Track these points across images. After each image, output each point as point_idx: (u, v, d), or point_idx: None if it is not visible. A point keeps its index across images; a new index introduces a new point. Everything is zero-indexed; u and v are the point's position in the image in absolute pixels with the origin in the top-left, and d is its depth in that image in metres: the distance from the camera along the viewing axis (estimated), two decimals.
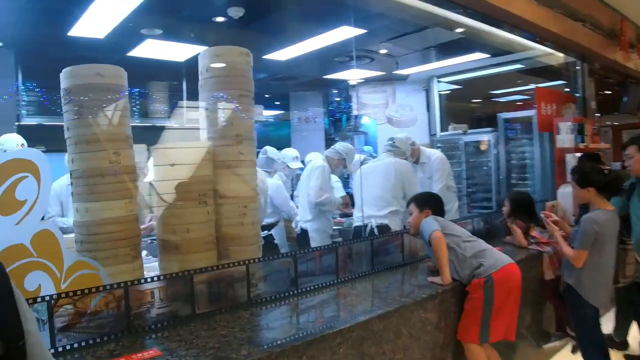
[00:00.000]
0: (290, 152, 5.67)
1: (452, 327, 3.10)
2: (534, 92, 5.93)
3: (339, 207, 5.02)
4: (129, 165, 2.56)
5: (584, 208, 3.75)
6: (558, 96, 6.20)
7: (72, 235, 3.95)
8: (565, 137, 5.56)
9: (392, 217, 4.24)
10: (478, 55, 6.37)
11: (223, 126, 2.81)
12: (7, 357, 1.10)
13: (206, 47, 2.92)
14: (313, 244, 4.74)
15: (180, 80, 6.28)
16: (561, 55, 6.40)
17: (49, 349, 2.08)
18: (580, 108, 6.56)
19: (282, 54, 5.80)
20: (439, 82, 7.61)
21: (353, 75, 7.10)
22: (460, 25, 4.94)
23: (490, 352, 3.07)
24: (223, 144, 2.82)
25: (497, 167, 6.62)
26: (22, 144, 3.74)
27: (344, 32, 4.95)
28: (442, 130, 7.55)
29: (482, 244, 3.25)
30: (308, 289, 2.99)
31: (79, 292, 2.20)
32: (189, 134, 2.89)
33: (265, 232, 4.99)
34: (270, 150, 5.32)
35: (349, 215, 5.27)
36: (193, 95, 6.35)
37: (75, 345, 2.18)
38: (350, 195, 5.40)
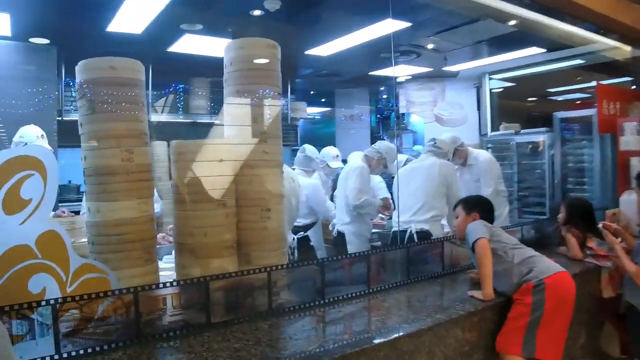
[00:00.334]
0: (330, 150, 5.45)
1: (493, 349, 2.81)
2: (595, 89, 5.48)
3: (378, 210, 4.77)
4: (144, 163, 2.42)
5: None
6: (623, 94, 5.71)
7: None
8: (630, 139, 5.11)
9: (433, 222, 3.96)
10: (533, 50, 5.96)
11: (246, 124, 2.63)
12: None
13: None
14: (350, 247, 4.51)
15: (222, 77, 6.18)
16: (628, 49, 5.88)
17: (53, 355, 1.97)
18: None
19: (325, 49, 5.59)
20: (490, 79, 7.21)
21: (399, 71, 6.81)
22: (514, 17, 4.59)
23: None
24: (245, 143, 2.64)
25: (552, 171, 6.20)
26: (42, 135, 3.68)
27: (388, 26, 4.69)
28: (493, 130, 7.15)
29: (531, 251, 3.00)
30: (335, 299, 2.77)
31: (85, 297, 2.07)
32: (236, 130, 2.71)
33: (301, 233, 4.82)
34: (308, 148, 5.12)
35: (391, 217, 5.02)
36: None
37: (81, 352, 2.06)
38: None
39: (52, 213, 3.80)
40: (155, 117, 6.33)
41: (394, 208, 4.62)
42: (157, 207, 3.61)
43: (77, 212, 4.13)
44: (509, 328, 2.77)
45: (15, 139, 3.71)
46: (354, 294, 2.86)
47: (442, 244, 3.39)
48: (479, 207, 3.21)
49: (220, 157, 2.50)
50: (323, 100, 9.15)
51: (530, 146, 6.38)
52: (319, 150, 5.31)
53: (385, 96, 8.75)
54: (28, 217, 2.04)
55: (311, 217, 4.91)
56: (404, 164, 4.93)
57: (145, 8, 4.04)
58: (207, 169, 2.47)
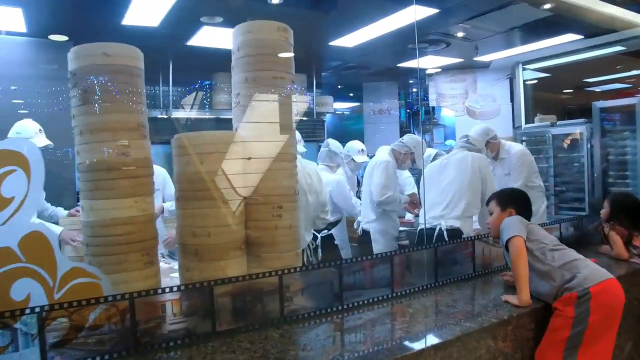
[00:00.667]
0: (355, 144, 5.15)
1: None
2: (638, 78, 5.03)
3: (405, 207, 4.45)
4: (142, 158, 2.19)
5: None
6: None
7: None
8: None
9: (465, 219, 3.62)
10: (569, 37, 5.52)
11: (254, 114, 2.36)
12: None
13: None
14: (375, 246, 4.22)
15: None
16: None
17: None
18: None
19: (350, 40, 5.29)
20: (524, 69, 6.78)
21: (428, 62, 6.44)
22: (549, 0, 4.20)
23: None
24: (253, 135, 2.38)
25: (591, 164, 5.76)
26: (40, 130, 3.44)
27: (414, 13, 4.35)
28: (527, 122, 6.72)
29: (573, 253, 2.63)
30: (355, 304, 2.49)
31: (75, 304, 1.84)
32: (264, 127, 2.45)
33: (325, 231, 4.54)
34: (332, 143, 4.83)
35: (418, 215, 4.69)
36: None
37: None
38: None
39: (66, 212, 3.62)
40: (183, 114, 6.16)
41: (422, 205, 4.29)
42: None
43: None
44: (547, 341, 2.43)
45: (11, 134, 3.42)
46: (375, 299, 2.58)
47: (474, 242, 3.06)
48: (515, 201, 2.88)
49: (225, 151, 2.24)
50: (351, 94, 8.83)
51: (567, 139, 5.95)
52: (344, 146, 5.01)
53: (415, 89, 8.37)
54: (10, 217, 1.83)
55: (335, 215, 4.62)
56: (433, 159, 4.60)
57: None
58: (211, 164, 2.21)
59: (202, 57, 5.37)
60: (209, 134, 2.24)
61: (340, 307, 2.45)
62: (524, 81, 6.83)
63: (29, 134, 3.38)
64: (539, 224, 3.12)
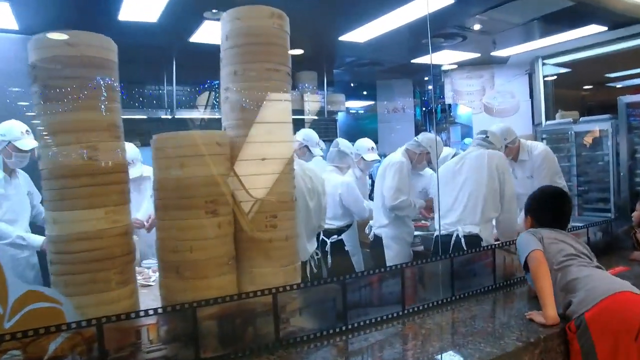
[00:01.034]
0: (364, 142, 4.80)
1: None
2: None
3: (421, 213, 4.08)
4: (115, 162, 1.88)
5: None
6: None
7: None
8: None
9: (484, 224, 3.24)
10: (593, 29, 5.10)
11: (244, 111, 2.05)
12: None
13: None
14: (388, 253, 3.87)
15: None
16: None
17: None
18: None
19: (361, 35, 4.94)
20: (544, 64, 6.36)
21: (443, 58, 6.06)
22: None
23: None
24: (244, 135, 2.06)
25: (617, 162, 5.32)
26: (27, 131, 3.14)
27: (426, 4, 3.99)
28: (547, 119, 6.31)
29: (578, 269, 2.23)
30: (360, 324, 2.17)
31: (30, 333, 1.55)
32: (232, 119, 2.14)
33: (335, 237, 4.22)
34: (342, 142, 4.49)
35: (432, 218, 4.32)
36: None
37: None
38: None
39: None
40: (188, 114, 5.89)
41: (437, 209, 3.92)
42: None
43: None
44: None
45: None
46: (384, 317, 2.25)
47: (494, 251, 2.71)
48: (530, 206, 2.59)
49: (208, 153, 1.92)
50: (365, 93, 8.47)
51: (590, 136, 5.53)
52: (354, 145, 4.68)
53: (430, 87, 7.98)
54: None
55: (346, 219, 4.29)
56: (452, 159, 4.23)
57: None
58: (192, 168, 1.90)
59: (208, 55, 5.07)
60: (190, 134, 1.93)
61: (343, 328, 2.13)
62: (544, 77, 6.40)
63: (14, 135, 3.10)
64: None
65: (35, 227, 3.33)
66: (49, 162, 1.80)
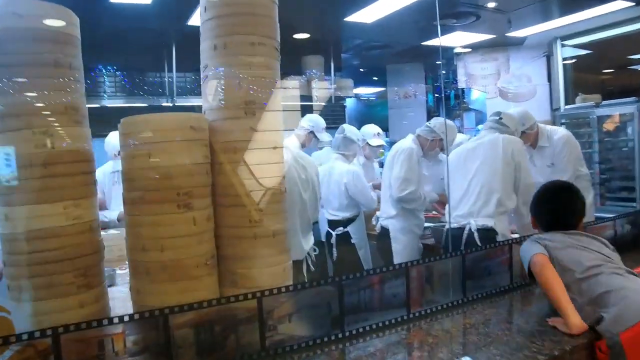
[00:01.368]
0: (370, 128, 4.53)
1: None
2: None
3: (433, 206, 3.79)
4: (75, 150, 1.64)
5: None
6: None
7: (115, 231, 3.23)
8: None
9: (499, 216, 2.95)
10: (618, 4, 4.73)
11: (225, 90, 1.80)
12: None
13: None
14: (395, 246, 3.61)
15: None
16: None
17: None
18: None
19: (368, 15, 4.64)
20: (563, 45, 6.00)
21: (456, 40, 5.73)
22: None
23: None
24: (224, 117, 1.81)
25: None
26: None
27: None
28: (567, 103, 5.96)
29: (609, 279, 1.90)
30: (359, 331, 1.92)
31: None
32: (212, 99, 1.88)
33: (341, 228, 3.98)
34: (348, 128, 4.22)
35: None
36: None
37: None
38: None
39: None
40: (200, 102, 5.65)
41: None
42: None
43: None
44: None
45: None
46: (387, 323, 1.99)
47: (511, 247, 2.44)
48: (532, 205, 2.27)
49: (180, 139, 1.67)
50: (375, 78, 8.15)
51: (612, 120, 5.18)
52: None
53: (443, 72, 7.62)
54: None
55: (352, 210, 4.04)
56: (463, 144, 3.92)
57: None
58: (162, 155, 1.65)
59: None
60: (158, 117, 1.68)
61: (340, 336, 1.88)
62: (563, 59, 6.05)
63: None
64: (586, 223, 2.46)
65: None
66: None
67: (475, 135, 5.57)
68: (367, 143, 4.43)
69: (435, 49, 6.21)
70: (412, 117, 7.47)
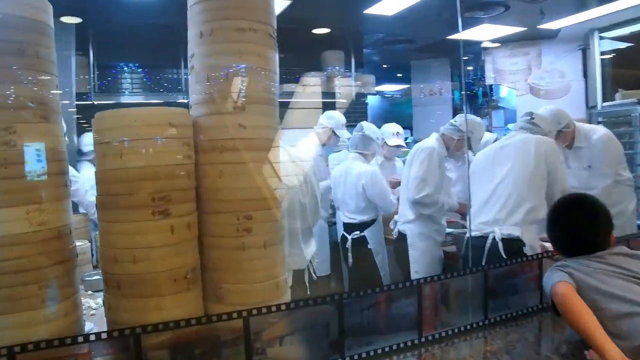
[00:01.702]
0: (390, 127, 4.29)
1: None
2: None
3: (456, 210, 3.51)
4: (41, 150, 1.46)
5: None
6: None
7: None
8: None
9: (527, 226, 2.67)
10: None
11: (210, 82, 1.60)
12: None
13: None
14: (413, 253, 3.35)
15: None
16: None
17: None
18: None
19: (388, 7, 4.40)
20: (601, 38, 5.63)
21: (483, 33, 5.42)
22: None
23: None
24: (210, 112, 1.61)
25: None
26: None
27: None
28: (604, 101, 5.60)
29: None
30: (362, 356, 1.69)
31: None
32: (197, 92, 1.67)
33: (357, 233, 3.75)
34: (367, 126, 3.98)
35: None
36: (290, 63, 5.18)
37: None
38: None
39: None
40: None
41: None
42: None
43: None
44: None
45: None
46: (394, 347, 1.76)
47: (541, 262, 2.17)
48: (547, 228, 1.95)
49: (159, 135, 1.48)
50: (399, 75, 7.87)
51: None
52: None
53: (470, 67, 7.29)
54: None
55: (369, 213, 3.80)
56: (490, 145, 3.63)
57: None
58: (135, 155, 1.46)
59: None
60: (131, 112, 1.48)
61: None
62: (601, 53, 5.68)
63: None
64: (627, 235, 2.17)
65: None
66: None
67: (505, 134, 5.28)
68: (385, 142, 4.20)
69: (459, 44, 5.91)
70: (438, 116, 7.18)
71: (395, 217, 3.68)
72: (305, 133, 4.58)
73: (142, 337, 1.42)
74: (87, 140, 4.08)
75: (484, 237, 2.69)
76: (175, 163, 1.50)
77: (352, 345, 1.69)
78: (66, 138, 1.72)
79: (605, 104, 5.51)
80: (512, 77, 6.09)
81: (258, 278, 1.63)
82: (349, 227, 3.84)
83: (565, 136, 3.29)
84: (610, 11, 4.84)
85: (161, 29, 4.44)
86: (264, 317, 1.55)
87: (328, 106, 5.75)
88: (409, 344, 1.79)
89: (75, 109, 4.10)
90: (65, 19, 4.09)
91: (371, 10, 4.46)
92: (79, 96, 4.45)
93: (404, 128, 4.61)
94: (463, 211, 3.32)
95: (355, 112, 6.14)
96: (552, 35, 5.74)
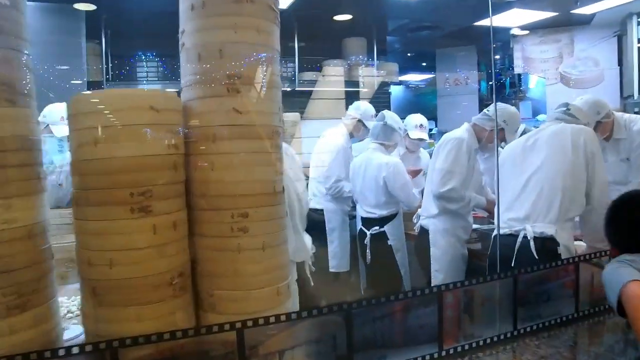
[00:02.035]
0: (414, 118, 4.01)
1: None
2: None
3: (487, 208, 3.22)
4: (7, 137, 1.26)
5: None
6: None
7: None
8: None
9: (562, 223, 2.38)
10: None
11: (202, 61, 1.38)
12: None
13: None
14: (435, 251, 3.09)
15: (290, 34, 4.97)
16: None
17: None
18: None
19: None
20: (639, 23, 5.23)
21: (512, 19, 5.07)
22: None
23: None
24: (202, 96, 1.40)
25: None
26: (63, 117, 2.84)
27: None
28: None
29: None
30: None
31: None
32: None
33: (376, 228, 3.51)
34: (389, 115, 3.70)
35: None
36: (309, 51, 4.94)
37: None
38: None
39: None
40: None
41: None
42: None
43: None
44: None
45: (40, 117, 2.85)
46: None
47: (577, 265, 1.91)
48: (607, 224, 1.68)
49: (139, 121, 1.27)
50: (424, 64, 7.56)
51: None
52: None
53: (497, 56, 6.93)
54: None
55: (390, 207, 3.54)
56: (521, 136, 3.31)
57: None
58: (114, 143, 1.25)
59: None
60: (107, 94, 1.28)
61: None
62: (639, 39, 5.27)
63: (53, 119, 2.92)
64: None
65: None
66: None
67: (535, 124, 4.93)
68: (408, 134, 3.93)
69: (489, 31, 5.56)
70: (463, 106, 6.86)
71: (419, 210, 3.42)
72: (329, 124, 4.39)
73: (119, 351, 1.22)
74: None
75: (513, 236, 2.41)
76: (158, 153, 1.29)
77: (363, 359, 1.47)
78: None
79: None
80: (542, 66, 5.75)
81: (256, 284, 1.41)
82: (367, 222, 3.59)
83: (605, 127, 2.98)
84: None
85: (178, 17, 4.28)
86: (261, 328, 1.33)
87: (350, 95, 5.52)
88: (428, 358, 1.55)
89: None
90: (78, 6, 3.94)
91: None
92: (93, 85, 4.30)
93: (428, 119, 4.34)
94: (491, 209, 3.03)
95: (378, 102, 5.86)
96: (585, 21, 5.38)
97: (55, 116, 2.95)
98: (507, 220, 2.51)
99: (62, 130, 2.92)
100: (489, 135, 3.05)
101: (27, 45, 1.35)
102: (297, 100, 5.14)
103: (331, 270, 3.85)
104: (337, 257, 3.87)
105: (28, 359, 1.17)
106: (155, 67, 5.23)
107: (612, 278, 1.49)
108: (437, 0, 4.36)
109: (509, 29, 5.55)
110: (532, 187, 2.49)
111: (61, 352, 1.20)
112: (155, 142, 1.28)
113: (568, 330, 1.81)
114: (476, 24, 5.21)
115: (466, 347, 1.62)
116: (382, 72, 5.78)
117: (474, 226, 3.29)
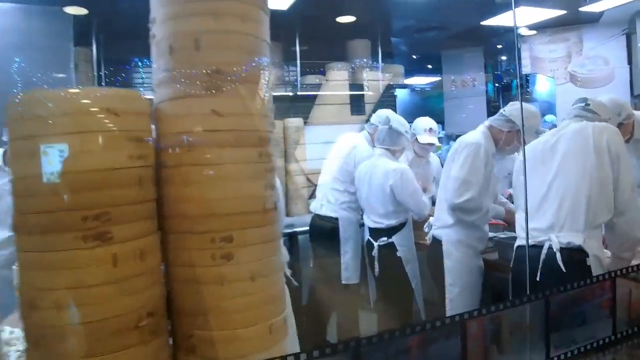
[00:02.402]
0: (422, 122, 3.72)
1: None
2: None
3: (505, 221, 2.93)
4: None
5: None
6: None
7: None
8: None
9: (591, 231, 2.07)
10: None
11: (176, 53, 1.11)
12: None
13: None
14: (448, 263, 2.79)
15: (291, 37, 4.71)
16: None
17: None
18: None
19: None
20: None
21: (520, 17, 4.78)
22: None
23: None
24: (175, 96, 1.13)
25: None
26: None
27: None
28: None
29: None
30: None
31: None
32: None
33: (384, 239, 3.22)
34: (394, 118, 3.42)
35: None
36: (311, 54, 4.67)
37: None
38: None
39: None
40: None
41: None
42: None
43: None
44: None
45: None
46: None
47: (614, 281, 1.61)
48: None
49: (93, 128, 1.00)
50: (429, 66, 7.28)
51: None
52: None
53: (504, 57, 6.64)
54: None
55: (399, 216, 3.25)
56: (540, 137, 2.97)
57: None
58: (62, 155, 0.98)
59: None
60: (52, 94, 0.99)
61: None
62: None
63: None
64: None
65: None
66: None
67: (545, 126, 4.63)
68: (416, 139, 3.65)
69: (496, 31, 5.29)
70: (471, 109, 6.58)
71: (431, 219, 3.12)
72: (334, 129, 4.14)
73: None
74: None
75: (537, 247, 2.11)
76: (118, 167, 1.01)
77: None
78: None
79: None
80: (551, 66, 5.47)
81: (243, 322, 1.14)
82: (375, 233, 3.30)
83: (626, 128, 2.71)
84: None
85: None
86: None
87: (354, 99, 5.26)
88: None
89: None
90: (69, 10, 3.70)
91: None
92: None
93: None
94: (511, 219, 2.73)
95: (383, 106, 5.59)
96: (594, 19, 5.12)
97: None
98: (530, 230, 2.21)
99: None
100: (506, 137, 2.76)
101: None
102: (300, 105, 4.88)
103: (343, 282, 3.56)
104: (350, 268, 3.58)
105: None
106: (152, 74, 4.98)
107: None
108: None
109: (517, 28, 5.28)
110: (554, 194, 2.20)
111: None
112: (113, 152, 1.01)
113: (605, 354, 1.52)
114: (482, 23, 4.93)
115: None
116: (387, 74, 5.49)
117: (490, 234, 2.99)
